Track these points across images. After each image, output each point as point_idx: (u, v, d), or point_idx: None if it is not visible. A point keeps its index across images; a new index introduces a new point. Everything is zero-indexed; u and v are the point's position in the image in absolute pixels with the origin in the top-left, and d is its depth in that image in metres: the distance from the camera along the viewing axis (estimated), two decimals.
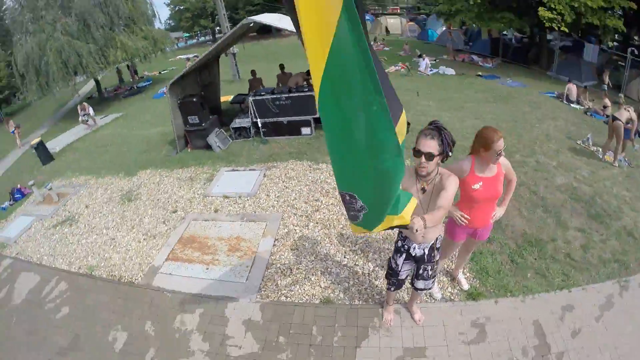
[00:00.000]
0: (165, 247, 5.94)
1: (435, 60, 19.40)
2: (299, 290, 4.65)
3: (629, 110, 8.19)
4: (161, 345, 4.26)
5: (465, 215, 3.40)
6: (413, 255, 3.32)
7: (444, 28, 25.08)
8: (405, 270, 3.49)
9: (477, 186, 3.24)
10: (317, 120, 9.63)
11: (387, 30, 32.22)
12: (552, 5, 15.22)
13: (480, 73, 16.84)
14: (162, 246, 6.01)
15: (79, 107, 15.88)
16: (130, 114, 16.73)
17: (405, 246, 3.33)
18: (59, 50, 16.50)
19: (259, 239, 5.68)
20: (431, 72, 17.04)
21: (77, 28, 17.38)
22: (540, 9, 15.42)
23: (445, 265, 4.81)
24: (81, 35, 17.52)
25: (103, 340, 4.49)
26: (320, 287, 4.66)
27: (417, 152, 2.67)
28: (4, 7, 23.13)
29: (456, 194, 3.12)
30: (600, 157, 8.19)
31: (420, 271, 3.42)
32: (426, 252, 3.27)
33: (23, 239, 7.15)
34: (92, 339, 4.56)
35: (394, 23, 32.99)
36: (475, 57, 20.11)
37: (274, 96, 9.52)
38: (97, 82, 22.39)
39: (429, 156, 2.63)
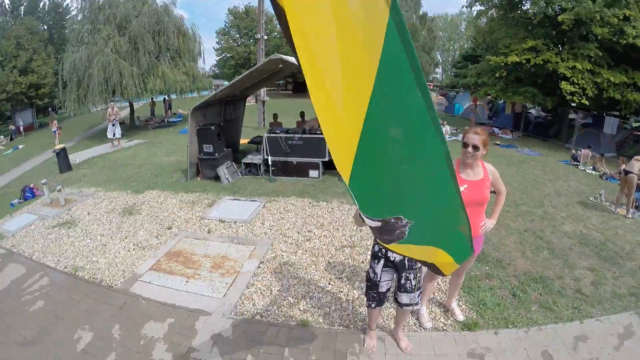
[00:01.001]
0: (151, 259, 5.91)
1: (456, 130, 19.66)
2: (276, 311, 4.49)
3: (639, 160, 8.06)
4: (123, 350, 4.12)
5: None
6: (392, 260, 3.18)
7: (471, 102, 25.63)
8: (385, 280, 3.31)
9: (461, 188, 3.17)
10: (326, 165, 9.76)
11: None
12: (575, 80, 15.54)
13: (498, 142, 16.97)
14: (148, 257, 5.98)
15: (109, 109, 16.34)
16: (154, 142, 17.33)
17: (383, 250, 3.20)
18: (104, 66, 17.38)
19: (245, 260, 5.61)
20: (449, 138, 17.19)
21: (127, 49, 18.39)
22: (563, 82, 15.75)
23: (438, 296, 4.61)
24: (128, 57, 18.51)
25: (67, 338, 4.38)
26: (299, 309, 4.49)
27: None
28: (68, 16, 24.86)
29: None
30: (613, 210, 8.03)
31: (402, 281, 3.26)
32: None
33: (21, 233, 7.25)
34: (57, 334, 4.45)
35: None
36: (496, 129, 20.32)
37: (288, 135, 9.73)
38: (131, 106, 23.27)
39: None
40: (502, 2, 19.26)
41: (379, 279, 3.28)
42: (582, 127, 18.48)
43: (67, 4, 43.53)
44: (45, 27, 42.27)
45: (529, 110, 23.01)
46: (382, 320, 4.19)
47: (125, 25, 18.99)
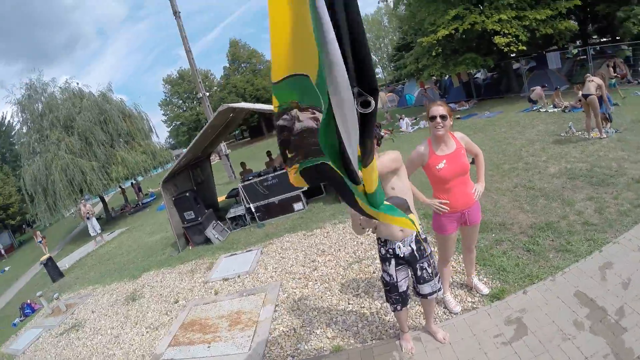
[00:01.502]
0: (167, 336, 5.82)
1: (415, 119, 20.10)
2: (306, 347, 4.44)
3: (592, 80, 8.31)
4: None
5: (444, 201, 3.40)
6: (402, 256, 3.17)
7: (419, 89, 26.21)
8: (402, 279, 3.28)
9: (441, 165, 3.30)
10: (307, 194, 9.90)
11: None
12: (506, 31, 16.16)
13: (458, 116, 17.35)
14: (164, 335, 5.90)
15: (81, 208, 16.36)
16: (135, 227, 17.24)
17: (390, 250, 3.19)
18: (64, 169, 17.46)
19: (260, 309, 5.59)
20: (412, 129, 17.71)
21: (80, 147, 18.52)
22: (495, 37, 16.33)
23: (457, 278, 4.63)
24: (84, 154, 18.61)
25: None
26: (328, 337, 4.44)
27: None
28: (14, 132, 24.88)
29: (428, 184, 3.33)
30: (587, 136, 8.26)
31: (419, 272, 3.23)
32: (414, 247, 3.15)
33: (31, 349, 7.10)
34: None
35: None
36: (453, 105, 20.74)
37: (261, 177, 9.85)
38: (103, 201, 23.13)
39: None
40: None
41: (395, 280, 3.26)
42: (529, 72, 19.29)
43: (9, 121, 43.40)
44: None
45: (475, 76, 23.67)
46: (411, 321, 4.17)
47: (70, 124, 19.15)
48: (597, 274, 3.90)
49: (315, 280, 5.85)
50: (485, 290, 4.22)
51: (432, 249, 3.45)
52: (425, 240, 3.21)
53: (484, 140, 10.70)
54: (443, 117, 3.22)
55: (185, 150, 10.00)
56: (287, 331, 4.87)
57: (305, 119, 1.63)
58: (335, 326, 4.60)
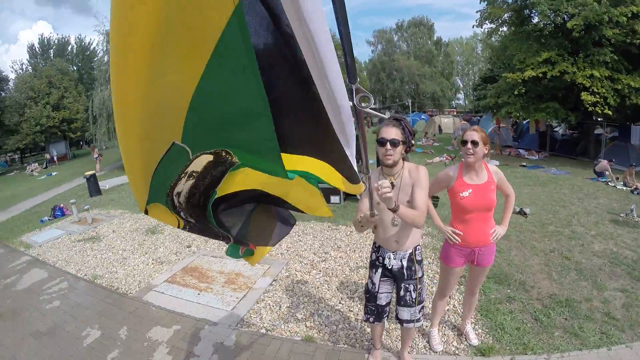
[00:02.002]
0: (167, 272, 5.99)
1: None
2: (282, 327, 4.40)
3: None
4: (126, 349, 4.14)
5: (457, 231, 3.19)
6: (389, 268, 3.02)
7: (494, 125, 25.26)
8: (383, 291, 3.12)
9: (465, 193, 3.08)
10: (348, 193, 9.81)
11: (440, 129, 32.98)
12: (595, 89, 15.00)
13: (524, 164, 16.47)
14: (165, 271, 6.07)
15: None
16: None
17: (381, 258, 3.06)
18: None
19: (258, 277, 5.59)
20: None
21: None
22: (583, 93, 15.19)
23: (452, 319, 4.38)
24: None
25: (76, 334, 4.47)
26: (306, 326, 4.38)
27: (382, 140, 2.70)
28: (96, 58, 26.57)
29: (446, 211, 3.03)
30: None
31: (402, 293, 3.06)
32: (404, 264, 2.99)
33: (48, 245, 7.54)
34: (67, 330, 4.55)
35: (447, 122, 33.66)
36: (521, 151, 19.80)
37: None
38: None
39: (393, 143, 2.66)
40: (511, 18, 18.96)
41: (377, 289, 3.13)
42: (610, 141, 17.64)
43: (94, 47, 46.47)
44: (75, 68, 45.88)
45: (555, 129, 22.32)
46: (390, 342, 4.01)
47: None
48: None
49: (319, 271, 5.78)
50: (475, 341, 3.94)
51: (424, 274, 3.24)
52: (419, 262, 3.06)
53: (540, 196, 10.03)
54: (474, 143, 3.00)
55: None
56: (273, 305, 4.85)
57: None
58: (318, 318, 4.52)
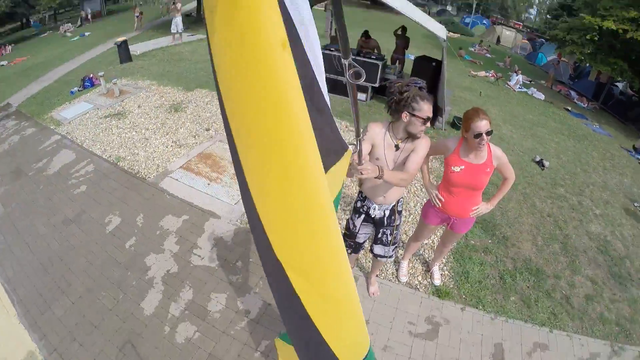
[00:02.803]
0: (184, 157, 6.35)
1: (530, 81, 17.84)
2: None
3: None
4: (142, 237, 4.68)
5: (440, 197, 3.24)
6: (372, 216, 3.19)
7: (555, 56, 22.82)
8: (363, 233, 3.35)
9: (457, 169, 3.02)
10: (376, 90, 9.57)
11: (498, 40, 30.08)
12: None
13: (569, 108, 15.11)
14: (182, 155, 6.42)
15: (173, 2, 16.59)
16: None
17: (365, 207, 3.20)
18: None
19: None
20: (519, 89, 15.61)
21: None
22: None
23: (427, 255, 4.64)
24: None
25: (100, 220, 5.01)
26: None
27: (423, 118, 2.64)
28: None
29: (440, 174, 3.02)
30: None
31: (379, 235, 3.30)
32: (386, 213, 3.15)
33: (76, 121, 7.91)
34: (92, 216, 5.10)
35: (508, 35, 30.39)
36: (572, 93, 18.24)
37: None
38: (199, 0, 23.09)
39: (428, 119, 2.66)
40: None
41: (357, 231, 3.33)
42: None
43: None
44: None
45: (615, 83, 20.18)
46: (365, 263, 4.36)
47: None
48: (529, 346, 3.73)
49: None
50: (438, 281, 4.23)
51: (402, 222, 3.39)
52: (399, 212, 3.20)
53: (568, 151, 9.30)
54: (489, 133, 2.79)
55: None
56: None
57: None
58: None
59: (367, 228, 3.34)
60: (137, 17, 19.86)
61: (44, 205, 5.44)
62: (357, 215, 3.28)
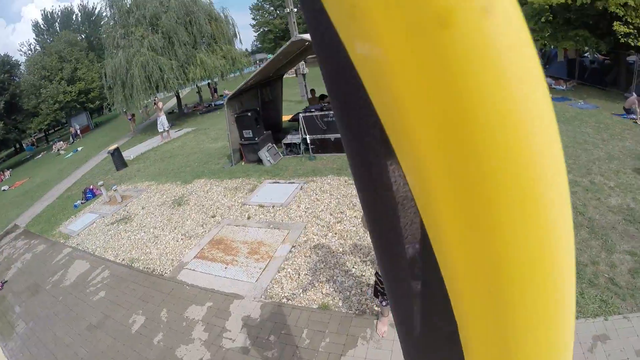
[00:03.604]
0: (196, 247, 6.45)
1: None
2: (301, 295, 4.82)
3: None
4: (168, 331, 4.66)
5: None
6: None
7: None
8: None
9: None
10: None
11: None
12: (629, 19, 14.03)
13: (552, 95, 15.62)
14: (194, 246, 6.53)
15: (154, 102, 17.70)
16: (202, 128, 18.02)
17: None
18: (143, 65, 18.27)
19: (278, 245, 5.97)
20: None
21: (162, 45, 19.14)
22: (615, 23, 14.26)
23: None
24: (165, 52, 19.28)
25: (124, 322, 5.01)
26: (322, 293, 4.78)
27: None
28: (103, 22, 26.34)
29: None
30: None
31: None
32: None
33: (85, 232, 8.10)
34: (116, 319, 5.11)
35: None
36: (549, 81, 18.71)
37: (323, 113, 9.85)
38: (178, 97, 24.27)
39: None
40: None
41: None
42: None
43: (99, 11, 45.64)
44: (83, 37, 45.27)
45: (584, 55, 21.05)
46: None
47: (156, 22, 19.62)
48: (589, 342, 3.55)
49: (335, 233, 6.07)
50: None
51: None
52: None
53: (562, 136, 8.85)
54: None
55: (270, 57, 10.00)
56: (293, 274, 5.23)
57: None
58: (333, 284, 4.88)
59: None
60: (130, 120, 21.20)
61: (66, 316, 5.48)
62: None
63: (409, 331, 0.80)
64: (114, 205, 9.23)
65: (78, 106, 34.67)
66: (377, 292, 3.58)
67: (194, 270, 5.82)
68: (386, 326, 4.02)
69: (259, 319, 4.57)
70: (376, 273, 3.51)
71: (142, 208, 8.75)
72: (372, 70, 0.44)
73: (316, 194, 7.62)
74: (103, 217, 8.65)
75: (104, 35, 21.99)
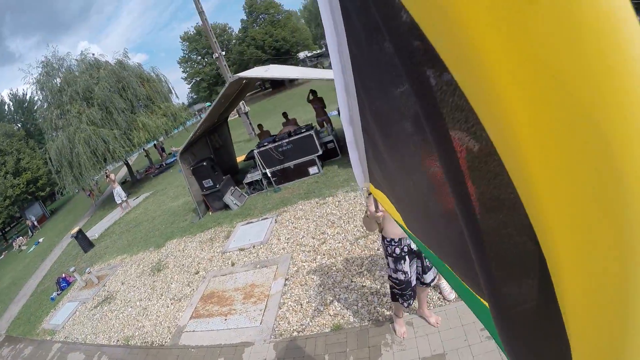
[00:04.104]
0: (189, 308, 6.31)
1: None
2: (310, 323, 4.80)
3: None
4: None
5: None
6: (414, 250, 3.26)
7: None
8: (413, 273, 3.37)
9: None
10: (322, 157, 10.01)
11: None
12: None
13: None
14: (186, 307, 6.38)
15: (105, 175, 17.68)
16: (159, 190, 17.77)
17: (405, 247, 3.22)
18: (86, 141, 17.88)
19: (271, 282, 5.95)
20: None
21: (101, 117, 18.85)
22: None
23: None
24: (105, 123, 18.96)
25: None
26: (330, 315, 4.77)
27: None
28: (36, 106, 25.67)
29: None
30: None
31: (426, 262, 3.36)
32: None
33: (70, 323, 7.76)
34: None
35: None
36: None
37: (276, 144, 9.96)
38: (128, 165, 23.83)
39: None
40: None
41: (409, 276, 3.31)
42: None
43: (30, 97, 44.40)
44: (19, 125, 43.71)
45: None
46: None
47: (90, 95, 19.33)
48: None
49: (323, 255, 6.12)
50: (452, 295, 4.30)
51: None
52: None
53: None
54: None
55: (208, 105, 10.05)
56: (295, 306, 5.21)
57: None
58: (338, 304, 4.90)
59: (414, 265, 3.40)
60: (89, 195, 21.43)
61: None
62: (402, 262, 3.27)
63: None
64: (92, 288, 8.91)
65: (29, 197, 33.22)
66: (395, 296, 3.58)
67: (193, 331, 5.68)
68: (404, 327, 4.06)
69: (275, 358, 4.53)
70: (389, 277, 3.51)
71: (122, 283, 8.48)
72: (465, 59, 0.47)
73: (292, 223, 7.67)
74: (84, 302, 8.32)
75: (40, 120, 21.47)
